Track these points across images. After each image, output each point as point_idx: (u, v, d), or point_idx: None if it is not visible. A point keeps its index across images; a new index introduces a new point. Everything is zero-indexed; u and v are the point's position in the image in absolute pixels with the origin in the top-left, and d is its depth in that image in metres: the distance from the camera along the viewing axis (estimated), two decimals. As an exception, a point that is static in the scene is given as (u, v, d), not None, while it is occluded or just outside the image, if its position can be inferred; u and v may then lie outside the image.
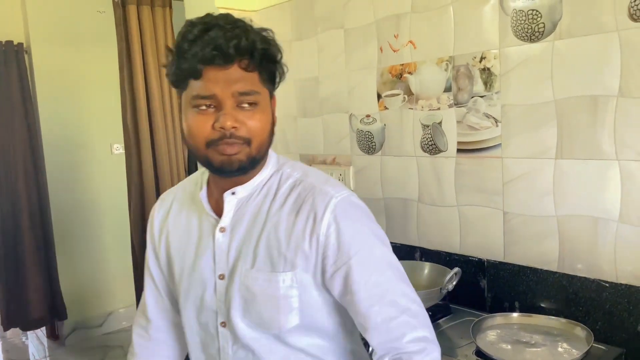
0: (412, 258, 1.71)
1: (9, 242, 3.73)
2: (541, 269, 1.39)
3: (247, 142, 0.89)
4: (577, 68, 1.27)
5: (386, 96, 1.73)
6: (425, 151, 1.63)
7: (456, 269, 1.37)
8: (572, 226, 1.33)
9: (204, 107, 0.88)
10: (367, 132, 1.80)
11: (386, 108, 1.73)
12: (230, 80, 0.87)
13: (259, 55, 0.88)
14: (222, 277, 0.94)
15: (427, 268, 1.55)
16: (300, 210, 0.91)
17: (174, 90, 2.34)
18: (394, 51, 1.68)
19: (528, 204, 1.40)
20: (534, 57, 1.35)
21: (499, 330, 1.26)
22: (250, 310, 0.91)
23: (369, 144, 1.81)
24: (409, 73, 1.65)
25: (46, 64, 3.47)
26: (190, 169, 2.40)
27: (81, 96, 3.62)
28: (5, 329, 3.82)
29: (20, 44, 3.37)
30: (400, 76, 1.67)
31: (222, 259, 0.94)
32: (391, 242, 1.74)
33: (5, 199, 3.69)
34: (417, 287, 1.50)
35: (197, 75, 0.87)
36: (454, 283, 1.37)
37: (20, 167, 3.67)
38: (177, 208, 1.03)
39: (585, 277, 1.31)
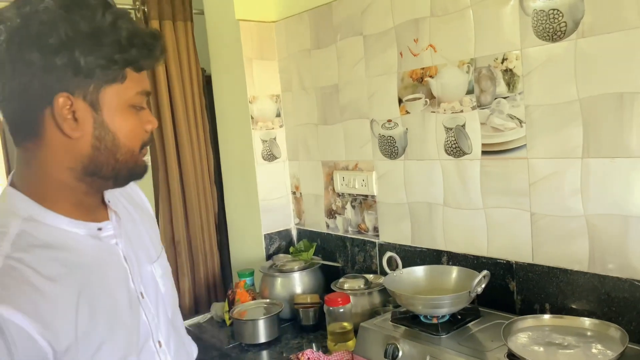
0: (439, 262, 1.70)
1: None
2: (571, 270, 1.38)
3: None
4: (601, 66, 1.26)
5: (407, 100, 1.73)
6: (449, 154, 1.63)
7: (485, 272, 1.36)
8: (601, 225, 1.31)
9: (140, 107, 0.82)
10: (389, 137, 1.81)
11: (407, 112, 1.74)
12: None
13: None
14: None
15: (454, 272, 1.54)
16: (137, 205, 1.02)
17: (197, 102, 2.34)
18: (414, 55, 1.68)
19: (556, 204, 1.39)
20: (556, 57, 1.34)
21: (531, 333, 1.25)
22: None
23: (392, 149, 1.81)
24: (430, 77, 1.65)
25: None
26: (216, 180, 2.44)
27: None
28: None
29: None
30: (421, 80, 1.68)
31: None
32: (417, 247, 1.75)
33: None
34: (445, 291, 1.51)
35: (142, 68, 0.80)
36: (483, 286, 1.36)
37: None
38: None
39: (617, 277, 1.29)
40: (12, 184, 0.81)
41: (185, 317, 2.18)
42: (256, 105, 2.19)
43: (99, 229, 0.85)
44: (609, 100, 1.26)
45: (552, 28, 1.33)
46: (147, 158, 0.91)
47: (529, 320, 1.28)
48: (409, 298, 1.39)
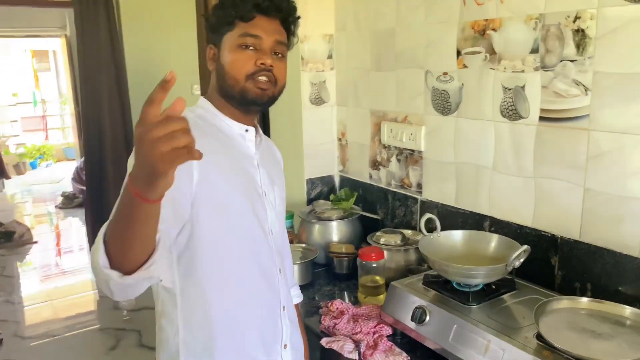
0: (481, 227, 1.65)
1: (95, 177, 4.00)
2: (620, 253, 1.30)
3: (275, 82, 1.12)
4: (689, 34, 1.11)
5: (466, 53, 1.61)
6: (504, 116, 1.53)
7: (525, 247, 1.30)
8: (661, 211, 1.21)
9: (248, 46, 1.09)
10: (443, 91, 1.71)
11: (465, 66, 1.62)
12: (272, 29, 1.11)
13: (293, 19, 1.16)
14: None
15: (494, 240, 1.48)
16: (275, 155, 1.34)
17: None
18: (478, 5, 1.55)
19: (613, 183, 1.29)
20: (636, 20, 1.19)
21: (566, 315, 1.20)
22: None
23: (444, 104, 1.71)
24: (493, 30, 1.52)
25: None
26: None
27: (162, 33, 3.71)
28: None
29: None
30: (483, 33, 1.55)
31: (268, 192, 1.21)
32: (460, 209, 1.69)
33: (91, 133, 3.93)
34: (482, 259, 1.46)
35: (248, 18, 1.09)
36: (522, 260, 1.31)
37: (105, 100, 3.86)
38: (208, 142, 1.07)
39: (670, 267, 1.21)
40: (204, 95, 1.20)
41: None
42: (308, 44, 2.11)
43: (246, 130, 1.17)
44: (691, 75, 1.12)
45: (638, -14, 1.17)
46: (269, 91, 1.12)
47: (564, 302, 1.23)
48: (442, 264, 1.36)
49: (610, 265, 1.32)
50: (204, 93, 1.28)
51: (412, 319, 1.36)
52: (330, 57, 2.17)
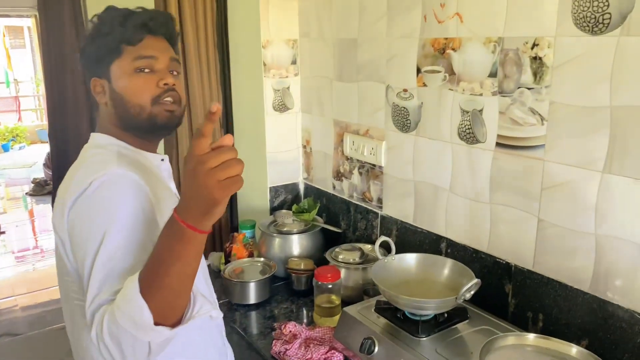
0: (438, 248, 1.62)
1: (61, 166, 3.90)
2: (571, 287, 1.28)
3: (179, 102, 1.07)
4: (643, 72, 1.08)
5: (426, 72, 1.57)
6: (462, 139, 1.49)
7: (476, 280, 1.27)
8: (611, 249, 1.19)
9: (143, 69, 1.03)
10: (402, 108, 1.67)
11: (425, 85, 1.58)
12: (163, 47, 1.07)
13: (176, 36, 1.13)
14: None
15: (448, 265, 1.45)
16: None
17: (210, 41, 2.20)
18: (439, 22, 1.50)
19: (566, 216, 1.27)
20: (593, 52, 1.15)
21: (512, 352, 1.18)
22: None
23: (404, 121, 1.67)
24: (453, 49, 1.47)
25: None
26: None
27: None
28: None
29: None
30: (443, 51, 1.50)
31: None
32: (418, 227, 1.66)
33: (57, 118, 3.81)
34: (435, 284, 1.44)
35: (137, 40, 1.03)
36: (472, 293, 1.28)
37: (69, 84, 3.72)
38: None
39: (618, 305, 1.19)
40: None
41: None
42: (270, 50, 2.04)
43: (162, 160, 1.13)
44: (644, 114, 1.09)
45: (594, 18, 1.13)
46: (177, 112, 1.07)
47: (511, 338, 1.21)
48: (392, 295, 1.33)
49: (561, 298, 1.31)
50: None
51: (360, 350, 1.33)
52: (294, 62, 2.11)
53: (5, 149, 8.86)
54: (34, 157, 8.29)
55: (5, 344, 3.18)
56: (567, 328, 1.30)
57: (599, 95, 1.15)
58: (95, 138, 1.09)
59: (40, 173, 6.92)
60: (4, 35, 9.79)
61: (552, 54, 1.23)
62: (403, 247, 1.72)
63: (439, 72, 1.52)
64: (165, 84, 1.03)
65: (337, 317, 1.58)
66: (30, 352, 3.08)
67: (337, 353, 1.43)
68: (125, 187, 0.94)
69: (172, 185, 1.16)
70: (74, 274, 0.96)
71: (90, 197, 0.91)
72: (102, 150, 1.02)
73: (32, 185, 6.55)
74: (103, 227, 0.88)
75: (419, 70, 1.59)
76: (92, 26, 1.05)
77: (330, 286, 1.61)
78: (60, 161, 3.93)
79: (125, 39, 1.03)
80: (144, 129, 1.06)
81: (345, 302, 1.60)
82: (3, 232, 5.10)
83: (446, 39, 1.49)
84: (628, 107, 1.11)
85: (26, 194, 6.53)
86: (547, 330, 1.34)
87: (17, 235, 5.21)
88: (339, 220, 2.04)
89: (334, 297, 1.62)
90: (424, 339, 1.29)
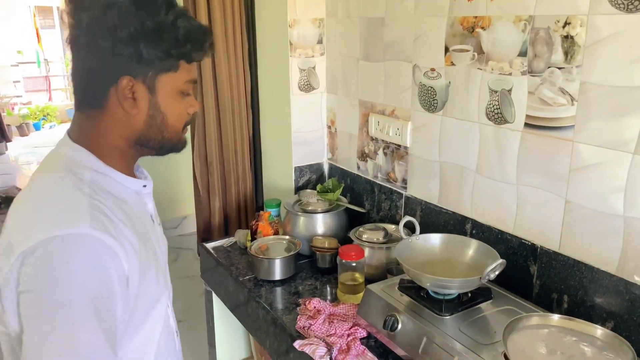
0: (463, 229, 1.62)
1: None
2: (598, 268, 1.27)
3: None
4: (679, 51, 1.05)
5: (454, 50, 1.55)
6: (489, 119, 1.48)
7: (501, 260, 1.27)
8: (639, 232, 1.18)
9: (188, 94, 0.95)
10: (429, 88, 1.66)
11: (453, 64, 1.56)
12: None
13: None
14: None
15: (473, 245, 1.46)
16: None
17: (237, 21, 2.20)
18: (469, 1, 1.48)
19: (594, 197, 1.25)
20: (627, 31, 1.12)
21: (536, 332, 1.19)
22: None
23: (431, 101, 1.66)
24: (482, 28, 1.45)
25: None
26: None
27: None
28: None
29: None
30: (472, 30, 1.48)
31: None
32: (442, 208, 1.67)
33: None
34: (460, 264, 1.45)
35: (195, 61, 0.94)
36: (497, 273, 1.29)
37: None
38: (122, 224, 0.89)
39: (645, 288, 1.18)
40: (74, 141, 0.93)
41: (213, 238, 2.25)
42: (296, 29, 2.04)
43: (144, 186, 1.01)
44: (679, 94, 1.06)
45: (630, -5, 1.10)
46: (187, 135, 1.03)
47: (535, 318, 1.21)
48: (416, 274, 1.34)
49: (587, 280, 1.30)
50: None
51: (384, 327, 1.35)
52: (320, 42, 2.11)
53: (37, 127, 9.07)
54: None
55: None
56: (592, 310, 1.29)
57: (632, 76, 1.13)
58: (70, 151, 0.92)
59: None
60: (34, 16, 9.95)
61: (585, 33, 1.21)
62: (427, 228, 1.73)
63: (467, 51, 1.51)
64: (193, 112, 0.98)
65: (360, 295, 1.60)
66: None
67: (360, 329, 1.45)
68: (96, 258, 0.81)
69: (151, 206, 1.05)
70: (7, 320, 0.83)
71: (53, 268, 0.78)
72: (71, 179, 0.86)
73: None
74: (66, 321, 0.77)
75: (446, 50, 1.57)
76: (154, 16, 0.87)
77: (354, 264, 1.62)
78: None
79: (189, 55, 0.91)
80: (162, 151, 0.98)
81: (369, 281, 1.62)
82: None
83: (475, 17, 1.47)
84: (662, 87, 1.08)
85: (57, 171, 6.69)
86: (572, 312, 1.34)
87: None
88: (363, 201, 2.05)
89: (357, 275, 1.64)
90: (447, 317, 1.31)
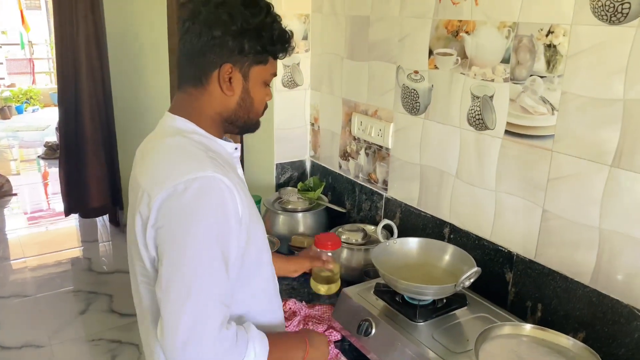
0: (441, 233, 1.62)
1: (71, 135, 3.92)
2: (572, 279, 1.27)
3: None
4: (660, 66, 1.05)
5: (438, 54, 1.54)
6: (470, 124, 1.47)
7: (476, 269, 1.27)
8: (614, 244, 1.18)
9: (268, 84, 1.12)
10: (412, 90, 1.64)
11: (436, 67, 1.55)
12: None
13: None
14: None
15: (450, 251, 1.45)
16: None
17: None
18: (454, 4, 1.46)
19: (571, 208, 1.25)
20: (609, 43, 1.12)
21: (508, 342, 1.19)
22: None
23: (413, 103, 1.65)
24: (466, 32, 1.44)
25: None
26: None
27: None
28: (67, 214, 4.16)
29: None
30: (456, 34, 1.47)
31: None
32: (422, 211, 1.66)
33: (68, 91, 3.82)
34: (435, 270, 1.44)
35: (278, 58, 1.10)
36: (472, 280, 1.28)
37: (83, 59, 3.73)
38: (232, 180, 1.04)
39: (617, 300, 1.18)
40: (171, 112, 1.10)
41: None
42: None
43: (236, 149, 1.16)
44: (657, 109, 1.06)
45: (613, 7, 1.09)
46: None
47: (507, 328, 1.21)
48: (391, 279, 1.33)
49: (561, 290, 1.30)
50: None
51: (357, 331, 1.34)
52: (305, 38, 2.08)
53: (19, 111, 8.91)
54: (47, 120, 8.34)
55: (14, 304, 3.26)
56: (565, 320, 1.30)
57: (613, 88, 1.12)
58: (175, 121, 1.09)
59: (53, 136, 6.96)
60: (19, -5, 9.74)
61: (567, 43, 1.20)
62: (406, 231, 1.72)
63: (451, 55, 1.49)
64: (269, 100, 1.14)
65: (334, 286, 1.59)
66: (38, 313, 3.15)
67: (335, 332, 1.44)
68: (221, 196, 0.97)
69: (240, 171, 1.19)
70: (148, 263, 1.03)
71: (186, 204, 0.94)
72: (186, 141, 1.04)
73: (45, 148, 6.60)
74: (193, 247, 0.94)
75: (431, 53, 1.56)
76: (257, 16, 1.03)
77: (329, 254, 1.60)
78: (69, 127, 3.96)
79: (277, 53, 1.09)
80: (242, 130, 1.15)
81: (347, 282, 1.61)
82: (15, 194, 5.17)
83: (460, 21, 1.45)
84: (641, 101, 1.08)
85: (38, 157, 6.59)
86: (545, 321, 1.34)
87: (31, 198, 5.28)
88: (344, 200, 2.04)
89: (332, 265, 1.62)
90: (421, 323, 1.30)
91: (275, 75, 1.12)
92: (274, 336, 1.07)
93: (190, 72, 1.08)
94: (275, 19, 1.07)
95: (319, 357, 1.17)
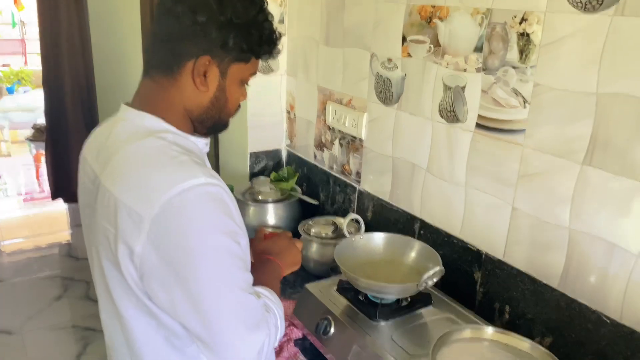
0: (412, 228, 1.56)
1: (55, 119, 3.85)
2: (540, 281, 1.21)
3: None
4: (634, 57, 0.98)
5: (411, 41, 1.46)
6: (442, 116, 1.40)
7: (439, 268, 1.21)
8: (584, 245, 1.11)
9: (246, 84, 1.02)
10: (386, 79, 1.57)
11: (409, 55, 1.48)
12: None
13: None
14: None
15: (417, 247, 1.39)
16: None
17: None
18: (428, -12, 1.38)
19: (541, 207, 1.19)
20: (583, 32, 1.05)
21: (467, 346, 1.13)
22: None
23: (386, 93, 1.58)
24: (440, 19, 1.36)
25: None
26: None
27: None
28: (53, 198, 4.10)
29: None
30: (429, 20, 1.39)
31: None
32: (393, 206, 1.59)
33: (50, 74, 3.74)
34: (401, 266, 1.38)
35: (261, 59, 0.99)
36: (435, 280, 1.22)
37: (64, 39, 3.65)
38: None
39: (586, 305, 1.12)
40: (134, 106, 0.97)
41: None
42: (257, 8, 1.93)
43: (206, 144, 1.04)
44: (631, 105, 0.99)
45: (588, -7, 1.02)
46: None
47: (467, 332, 1.15)
48: (352, 277, 1.27)
49: (529, 292, 1.24)
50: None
51: (316, 330, 1.29)
52: (282, 21, 2.00)
53: (10, 92, 8.78)
54: (38, 101, 8.20)
55: (-9, 288, 3.21)
56: (532, 323, 1.24)
57: (586, 80, 1.05)
58: (144, 120, 0.95)
59: (42, 119, 6.86)
60: (12, -26, 9.56)
61: (541, 31, 1.12)
62: (378, 225, 1.66)
63: (424, 42, 1.42)
64: (242, 101, 1.04)
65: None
66: (13, 298, 3.10)
67: (296, 330, 1.39)
68: (221, 202, 0.88)
69: (209, 166, 1.07)
70: (128, 277, 0.89)
71: (187, 222, 0.84)
72: (162, 143, 0.91)
73: (33, 130, 6.51)
74: (208, 270, 0.86)
75: (404, 40, 1.48)
76: (249, 11, 0.93)
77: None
78: (54, 109, 3.88)
79: (262, 54, 0.99)
80: (210, 131, 1.04)
81: (315, 277, 1.56)
82: (-1, 176, 5.09)
83: (434, 6, 1.37)
84: (615, 94, 1.01)
85: (26, 139, 6.50)
86: (513, 324, 1.28)
87: (21, 180, 5.22)
88: (319, 192, 1.98)
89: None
90: (382, 323, 1.25)
91: (254, 74, 1.01)
92: (262, 280, 1.04)
93: (161, 57, 0.95)
94: (267, 18, 0.96)
95: (292, 258, 1.19)
